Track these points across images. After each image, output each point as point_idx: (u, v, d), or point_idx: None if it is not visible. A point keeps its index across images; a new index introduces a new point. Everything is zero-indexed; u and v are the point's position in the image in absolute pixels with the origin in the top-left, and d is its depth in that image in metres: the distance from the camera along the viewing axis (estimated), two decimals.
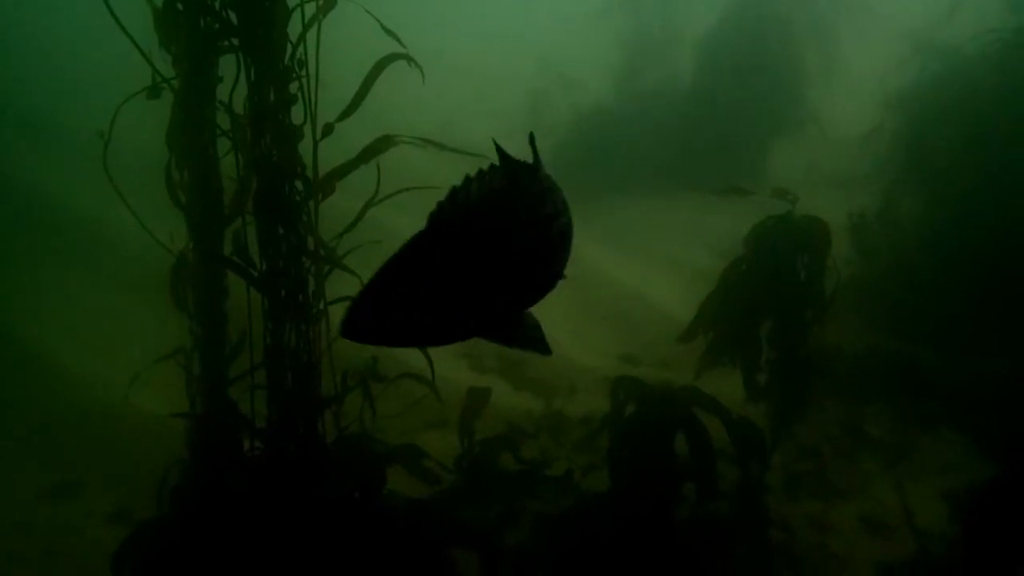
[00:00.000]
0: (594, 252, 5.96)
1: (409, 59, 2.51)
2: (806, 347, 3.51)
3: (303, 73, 2.32)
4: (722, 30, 8.06)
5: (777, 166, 7.41)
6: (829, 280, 3.48)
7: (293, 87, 2.33)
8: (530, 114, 8.94)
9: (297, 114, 2.34)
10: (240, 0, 2.25)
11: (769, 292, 3.60)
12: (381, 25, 2.43)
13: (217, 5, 2.29)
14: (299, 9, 2.29)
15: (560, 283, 1.42)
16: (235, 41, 2.34)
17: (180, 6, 2.37)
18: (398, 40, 2.48)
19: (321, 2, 2.29)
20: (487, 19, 13.24)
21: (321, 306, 2.51)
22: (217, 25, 2.35)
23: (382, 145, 2.44)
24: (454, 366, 4.53)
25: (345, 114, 2.36)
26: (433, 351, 4.60)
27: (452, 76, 10.73)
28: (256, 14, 2.25)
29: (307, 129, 2.33)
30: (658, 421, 3.00)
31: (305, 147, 2.36)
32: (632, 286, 5.41)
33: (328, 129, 2.35)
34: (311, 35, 2.30)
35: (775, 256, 3.59)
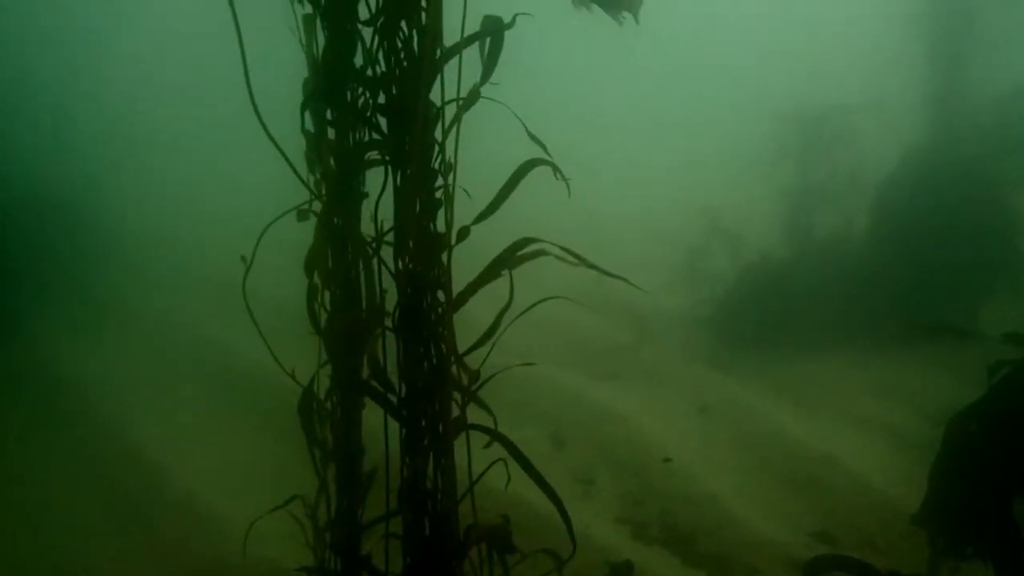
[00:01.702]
0: (773, 408, 5.27)
1: (555, 168, 2.26)
2: None
3: (449, 178, 2.13)
4: (902, 175, 7.50)
5: (986, 320, 6.47)
6: None
7: (438, 192, 2.13)
8: (688, 267, 8.62)
9: (439, 221, 2.13)
10: (391, 104, 2.12)
11: (1017, 460, 2.82)
12: (527, 131, 2.23)
13: (368, 112, 2.18)
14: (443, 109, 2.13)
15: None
16: (383, 153, 2.22)
17: (330, 125, 2.28)
18: (544, 149, 2.26)
19: (461, 101, 2.12)
20: (640, 164, 13.33)
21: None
22: (368, 136, 2.24)
23: (523, 246, 2.14)
24: (612, 531, 3.94)
25: (483, 216, 2.11)
26: (590, 513, 4.10)
27: (607, 221, 10.76)
28: (407, 117, 2.10)
29: None
30: None
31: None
32: (822, 448, 4.63)
33: (464, 233, 2.11)
34: (452, 136, 2.12)
35: (1022, 413, 2.84)
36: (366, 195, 2.40)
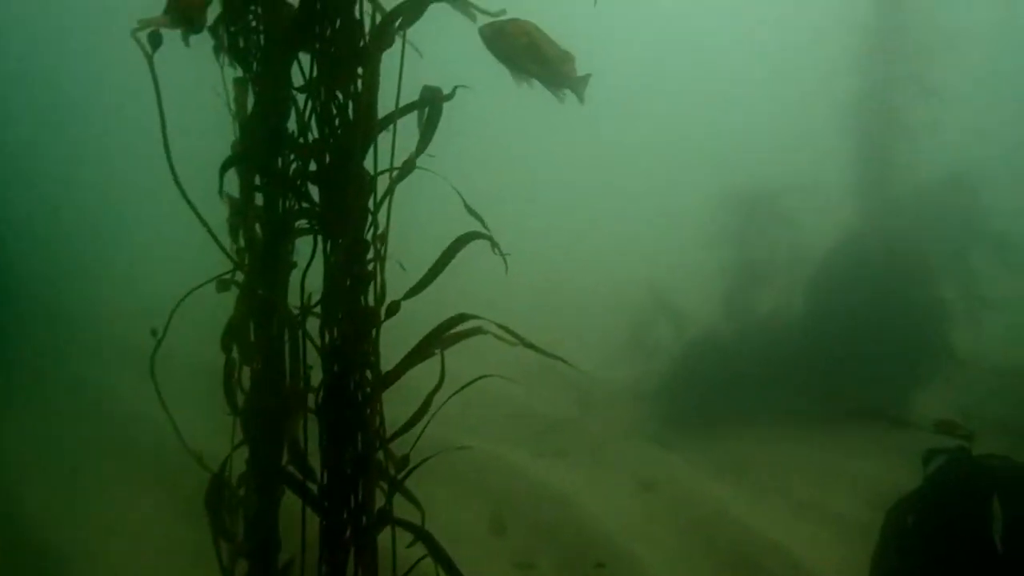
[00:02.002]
0: (717, 488, 5.17)
1: (493, 243, 2.17)
2: None
3: (381, 249, 2.02)
4: (837, 258, 7.70)
5: (918, 406, 6.58)
6: None
7: (370, 264, 2.01)
8: (632, 340, 8.63)
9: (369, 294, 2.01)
10: (324, 172, 2.02)
11: (955, 553, 2.77)
12: (464, 204, 2.15)
13: (299, 180, 2.07)
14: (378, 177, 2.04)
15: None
16: (313, 222, 2.10)
17: (258, 191, 2.17)
18: (482, 222, 2.18)
19: (395, 173, 2.03)
20: (583, 237, 13.46)
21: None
22: (298, 204, 2.12)
23: (458, 323, 2.03)
24: None
25: (415, 291, 2.00)
26: None
27: (551, 295, 10.74)
28: (340, 186, 2.00)
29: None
30: None
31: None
32: (767, 534, 4.53)
33: (394, 308, 1.99)
34: (385, 206, 2.02)
35: (958, 505, 2.81)
36: (295, 264, 2.27)
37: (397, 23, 1.96)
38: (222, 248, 2.09)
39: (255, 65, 2.10)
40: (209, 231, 2.00)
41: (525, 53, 2.33)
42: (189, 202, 1.91)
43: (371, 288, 2.02)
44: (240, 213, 2.11)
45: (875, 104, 7.36)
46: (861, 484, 5.30)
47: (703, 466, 5.66)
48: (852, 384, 6.72)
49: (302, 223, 2.12)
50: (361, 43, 1.96)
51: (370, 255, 2.07)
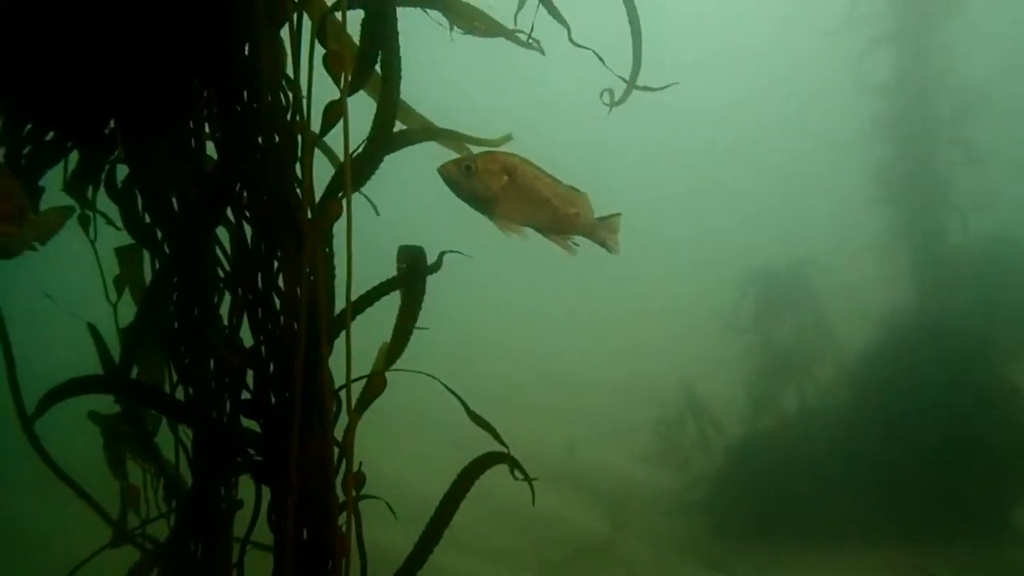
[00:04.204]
0: None
1: (516, 466, 1.55)
2: None
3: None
4: (886, 341, 7.01)
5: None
6: None
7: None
8: (666, 440, 7.90)
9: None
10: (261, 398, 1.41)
11: None
12: (467, 410, 1.54)
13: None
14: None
15: None
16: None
17: None
18: (494, 433, 1.57)
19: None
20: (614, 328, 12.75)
21: None
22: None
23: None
24: None
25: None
26: None
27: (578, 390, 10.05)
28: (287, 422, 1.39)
29: None
30: None
31: None
32: None
33: None
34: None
35: None
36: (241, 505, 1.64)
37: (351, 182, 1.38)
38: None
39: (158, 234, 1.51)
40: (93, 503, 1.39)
41: (511, 196, 1.73)
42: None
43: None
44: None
45: (914, 172, 6.80)
46: None
47: None
48: (923, 486, 5.94)
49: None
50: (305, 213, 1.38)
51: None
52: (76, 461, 1.63)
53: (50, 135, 1.40)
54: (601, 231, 1.86)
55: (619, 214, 1.90)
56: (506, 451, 1.52)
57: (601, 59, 1.71)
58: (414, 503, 1.77)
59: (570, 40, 1.73)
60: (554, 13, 1.65)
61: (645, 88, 1.89)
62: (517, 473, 1.58)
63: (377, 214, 1.80)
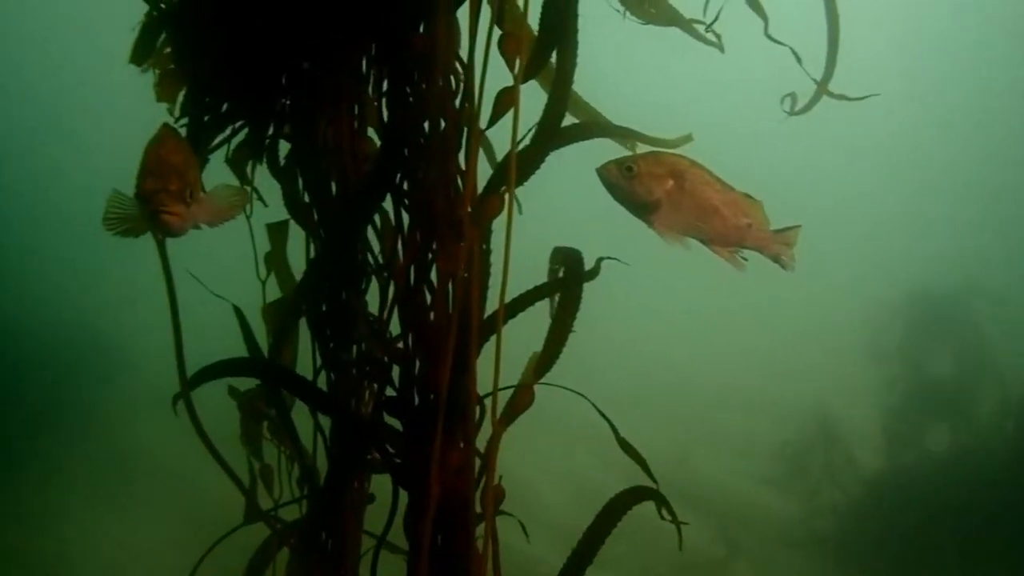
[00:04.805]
0: None
1: (660, 503, 1.41)
2: None
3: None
4: None
5: None
6: None
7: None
8: (782, 460, 7.46)
9: None
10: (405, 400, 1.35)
11: None
12: (611, 424, 1.41)
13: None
14: None
15: None
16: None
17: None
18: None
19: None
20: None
21: None
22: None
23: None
24: None
25: None
26: None
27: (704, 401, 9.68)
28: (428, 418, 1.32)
29: None
30: None
31: None
32: None
33: None
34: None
35: None
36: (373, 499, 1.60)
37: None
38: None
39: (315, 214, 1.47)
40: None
41: (675, 202, 1.56)
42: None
43: None
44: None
45: None
46: None
47: None
48: None
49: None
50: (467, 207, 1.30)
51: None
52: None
53: (224, 107, 1.39)
54: (775, 244, 1.68)
55: (799, 226, 1.70)
56: (655, 486, 1.39)
57: (798, 58, 1.53)
58: (539, 510, 1.68)
59: (766, 35, 1.56)
60: (753, 4, 1.48)
61: (841, 97, 1.69)
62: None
63: (520, 212, 1.70)
